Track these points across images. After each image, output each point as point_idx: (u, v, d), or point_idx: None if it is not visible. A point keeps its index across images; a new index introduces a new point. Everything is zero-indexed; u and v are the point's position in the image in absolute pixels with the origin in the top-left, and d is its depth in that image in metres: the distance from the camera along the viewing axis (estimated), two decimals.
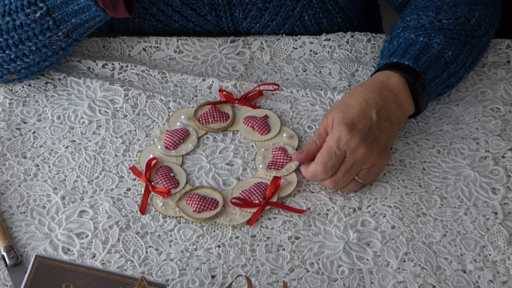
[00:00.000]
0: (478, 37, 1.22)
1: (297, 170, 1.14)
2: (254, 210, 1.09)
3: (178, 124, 1.19)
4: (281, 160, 1.15)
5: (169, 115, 1.21)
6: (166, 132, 1.18)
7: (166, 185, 1.11)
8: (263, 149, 1.17)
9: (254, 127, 1.19)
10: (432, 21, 1.21)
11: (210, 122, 1.20)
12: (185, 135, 1.18)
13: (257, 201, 1.10)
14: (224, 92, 1.23)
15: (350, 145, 1.08)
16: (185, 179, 1.13)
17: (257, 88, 1.24)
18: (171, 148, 1.16)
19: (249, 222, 1.09)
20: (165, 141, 1.17)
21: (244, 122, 1.21)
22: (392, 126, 1.13)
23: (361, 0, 1.42)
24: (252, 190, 1.11)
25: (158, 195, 1.11)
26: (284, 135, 1.19)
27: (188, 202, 1.10)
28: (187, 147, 1.17)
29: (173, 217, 1.09)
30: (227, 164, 1.16)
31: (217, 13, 1.31)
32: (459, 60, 1.20)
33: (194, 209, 1.09)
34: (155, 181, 1.12)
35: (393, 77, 1.15)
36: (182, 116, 1.20)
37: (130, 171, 1.14)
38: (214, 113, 1.21)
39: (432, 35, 1.18)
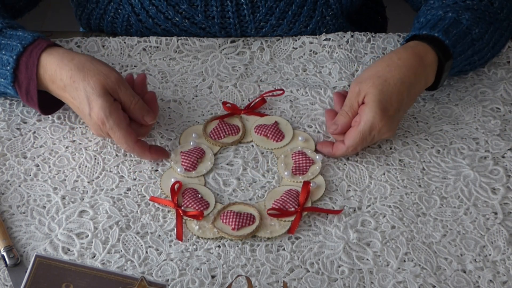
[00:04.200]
0: (500, 20, 1.23)
1: (321, 173, 1.14)
2: (291, 218, 1.08)
3: (191, 143, 1.17)
4: (304, 164, 1.14)
5: (169, 115, 1.21)
6: (181, 153, 1.15)
7: (197, 207, 1.09)
8: (282, 156, 1.16)
9: (268, 135, 1.18)
10: (456, 2, 1.22)
11: (222, 137, 1.18)
12: (201, 154, 1.15)
13: (292, 209, 1.09)
14: (228, 104, 1.22)
15: (381, 131, 1.12)
16: (214, 198, 1.11)
17: (268, 94, 1.23)
18: (191, 169, 1.14)
19: (290, 231, 1.07)
20: (183, 163, 1.14)
21: (256, 131, 1.19)
22: (412, 103, 1.17)
23: (367, 7, 1.42)
24: (285, 199, 1.10)
25: (192, 219, 1.08)
26: (300, 138, 1.18)
27: (224, 220, 1.08)
28: (206, 166, 1.14)
29: (212, 238, 1.06)
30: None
31: (227, 30, 1.31)
32: (484, 39, 1.21)
33: (233, 227, 1.07)
34: (185, 205, 1.09)
35: (430, 53, 1.15)
36: (193, 135, 1.18)
37: (130, 171, 1.14)
38: (224, 127, 1.19)
39: (460, 11, 1.19)
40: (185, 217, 1.08)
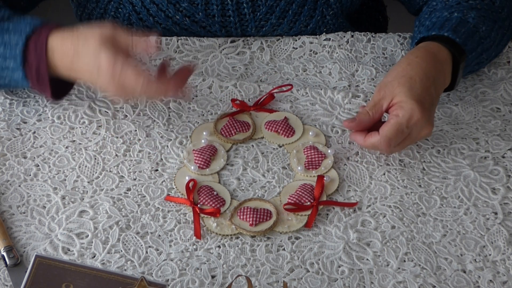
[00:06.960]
0: (502, 19, 1.23)
1: (335, 166, 1.14)
2: (307, 212, 1.08)
3: (203, 141, 1.16)
4: (316, 159, 1.14)
5: (169, 115, 1.21)
6: (194, 151, 1.15)
7: (213, 205, 1.09)
8: (294, 151, 1.16)
9: (278, 131, 1.18)
10: (459, 2, 1.22)
11: (234, 134, 1.18)
12: (213, 151, 1.15)
13: (308, 203, 1.09)
14: (237, 101, 1.22)
15: (419, 125, 1.08)
16: (229, 195, 1.11)
17: (276, 90, 1.23)
18: (204, 166, 1.14)
19: (307, 225, 1.08)
20: (196, 161, 1.14)
21: (266, 127, 1.19)
22: (438, 100, 1.14)
23: (368, 6, 1.42)
24: (300, 193, 1.10)
25: (209, 217, 1.08)
26: (310, 133, 1.18)
27: (241, 217, 1.08)
28: (220, 163, 1.15)
29: (230, 235, 1.07)
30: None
31: (228, 29, 1.31)
32: (491, 36, 1.21)
33: (251, 222, 1.07)
34: (201, 203, 1.09)
35: (442, 50, 1.14)
36: (204, 133, 1.18)
37: (130, 171, 1.14)
38: (235, 124, 1.19)
39: (464, 11, 1.19)
40: (202, 215, 1.08)
